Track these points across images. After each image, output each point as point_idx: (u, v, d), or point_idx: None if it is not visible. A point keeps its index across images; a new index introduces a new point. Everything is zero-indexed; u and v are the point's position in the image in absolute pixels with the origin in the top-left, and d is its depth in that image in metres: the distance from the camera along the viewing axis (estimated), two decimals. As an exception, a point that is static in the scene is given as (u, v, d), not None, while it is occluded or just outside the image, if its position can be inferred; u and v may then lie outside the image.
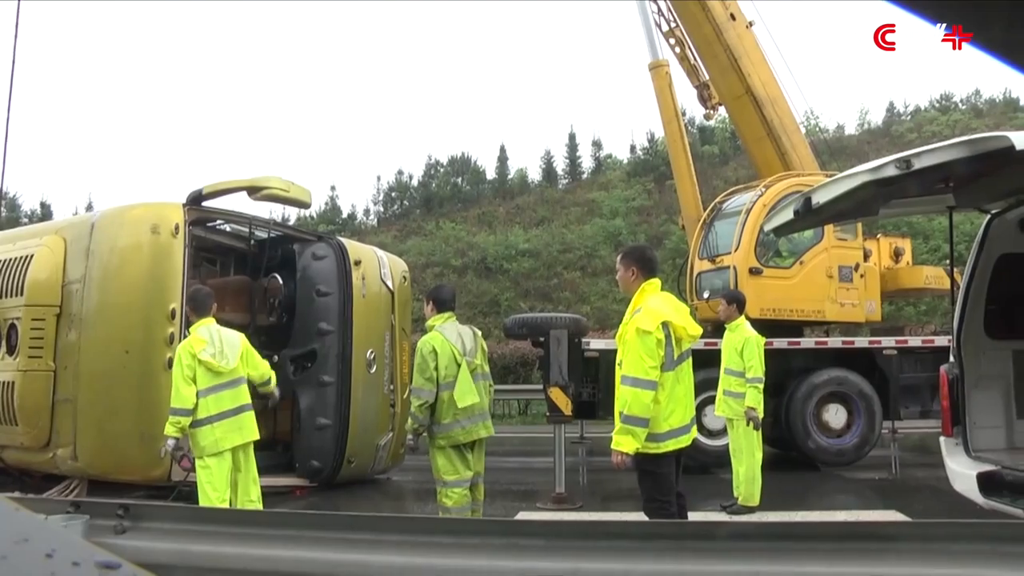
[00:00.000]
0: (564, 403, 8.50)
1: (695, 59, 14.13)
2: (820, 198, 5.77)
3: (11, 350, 8.09)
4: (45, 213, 36.23)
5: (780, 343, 10.36)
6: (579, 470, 11.11)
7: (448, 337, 6.13)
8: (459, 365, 6.07)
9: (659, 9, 14.17)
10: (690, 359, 5.14)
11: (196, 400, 5.94)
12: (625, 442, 4.78)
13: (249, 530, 3.47)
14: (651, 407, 4.76)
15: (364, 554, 3.18)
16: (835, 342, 11.37)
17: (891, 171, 5.12)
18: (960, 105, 39.40)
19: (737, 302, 8.02)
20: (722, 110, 14.65)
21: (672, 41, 14.25)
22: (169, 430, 5.98)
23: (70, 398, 7.70)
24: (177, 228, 8.01)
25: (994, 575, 2.72)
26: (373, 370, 9.39)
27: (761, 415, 7.63)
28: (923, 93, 68.24)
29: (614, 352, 11.04)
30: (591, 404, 10.86)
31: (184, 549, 3.54)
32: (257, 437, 6.26)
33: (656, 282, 5.13)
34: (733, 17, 13.01)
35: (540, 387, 13.48)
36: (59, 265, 8.08)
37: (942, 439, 6.24)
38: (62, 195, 76.68)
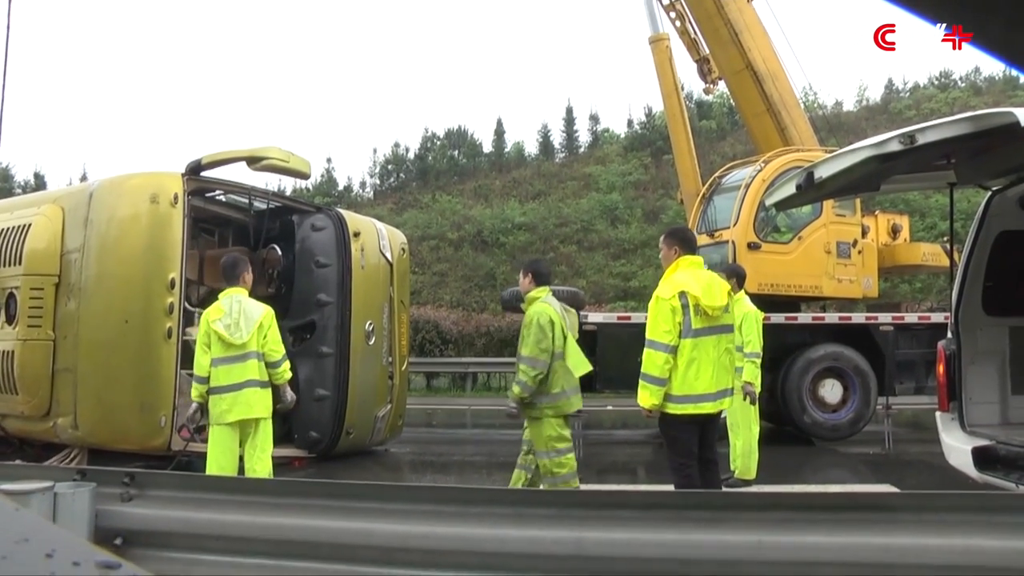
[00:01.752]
0: (561, 376, 8.52)
1: (695, 33, 14.06)
2: (823, 173, 5.77)
3: (10, 319, 8.07)
4: (39, 184, 36.01)
5: (777, 318, 10.39)
6: (576, 443, 11.15)
7: (556, 310, 6.23)
8: (566, 337, 6.18)
9: (660, -18, 14.09)
10: (726, 335, 5.47)
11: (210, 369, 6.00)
12: (642, 397, 5.33)
13: (254, 498, 3.51)
14: (664, 368, 5.20)
15: (369, 522, 3.22)
16: (832, 318, 11.42)
17: (895, 146, 5.12)
18: (959, 83, 39.21)
19: (737, 276, 8.01)
20: (722, 85, 14.59)
21: (673, 15, 14.17)
22: (193, 394, 6.14)
23: (70, 367, 7.69)
24: (176, 198, 7.97)
25: (988, 544, 2.79)
26: (372, 342, 9.39)
27: (758, 390, 7.67)
28: (922, 70, 67.90)
29: (612, 325, 11.16)
30: (588, 377, 10.87)
31: (189, 517, 3.58)
32: (263, 415, 6.21)
33: (692, 259, 5.53)
34: (735, -9, 12.93)
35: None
36: (57, 234, 8.03)
37: (938, 414, 6.28)
38: (56, 166, 76.18)
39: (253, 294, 9.02)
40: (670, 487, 5.31)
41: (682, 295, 5.24)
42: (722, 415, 5.95)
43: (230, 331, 5.97)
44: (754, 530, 2.95)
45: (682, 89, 15.91)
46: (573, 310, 6.63)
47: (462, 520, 3.07)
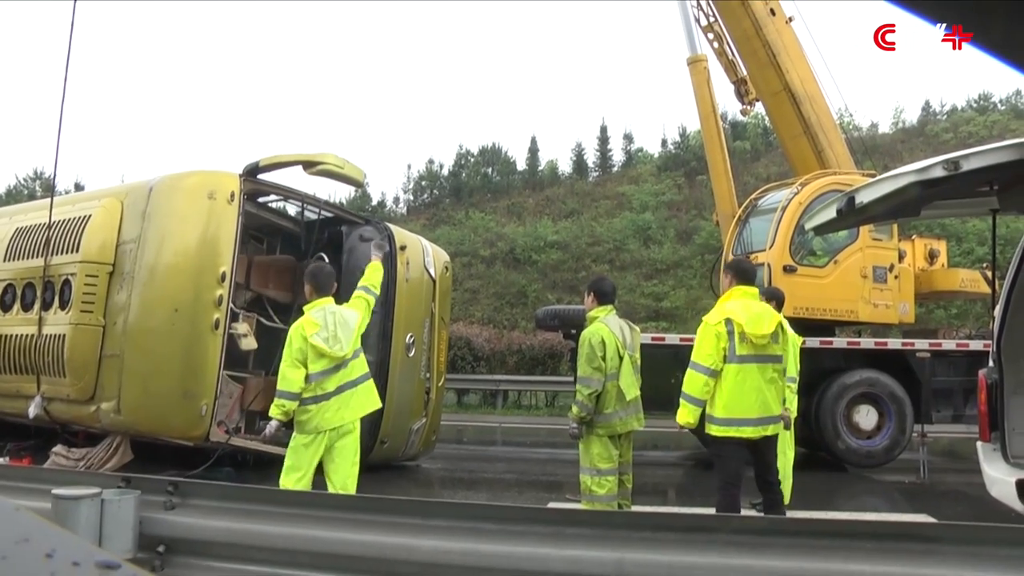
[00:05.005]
0: (594, 396, 8.50)
1: (733, 54, 14.02)
2: (864, 198, 5.73)
3: (63, 305, 8.27)
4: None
5: (812, 342, 10.27)
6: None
7: (612, 329, 6.22)
8: (622, 358, 6.17)
9: (698, 4, 14.07)
10: (772, 364, 5.72)
11: (304, 384, 5.69)
12: (681, 414, 5.73)
13: (297, 511, 3.54)
14: (703, 390, 5.58)
15: (410, 538, 3.24)
16: (868, 343, 11.29)
17: (938, 172, 5.07)
18: (999, 105, 38.65)
19: (776, 299, 7.92)
20: (758, 106, 14.53)
21: (711, 36, 14.14)
22: (274, 411, 5.77)
23: (117, 353, 7.85)
24: (233, 195, 8.20)
25: (1037, 581, 2.74)
26: (412, 354, 9.44)
27: (794, 415, 7.59)
28: (960, 92, 67.10)
29: (646, 346, 11.06)
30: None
31: (231, 527, 3.63)
32: (364, 412, 6.09)
33: (746, 289, 5.84)
34: (773, 12, 12.88)
35: (568, 379, 13.44)
36: (115, 226, 8.27)
37: (979, 444, 6.17)
38: (95, 176, 77.48)
39: (299, 303, 9.19)
40: (709, 509, 5.32)
41: (728, 322, 5.55)
42: (775, 438, 5.99)
43: (329, 344, 5.71)
44: (796, 556, 2.93)
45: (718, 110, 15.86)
46: (637, 329, 6.58)
47: (503, 538, 3.08)
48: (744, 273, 5.98)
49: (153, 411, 7.81)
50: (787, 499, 7.60)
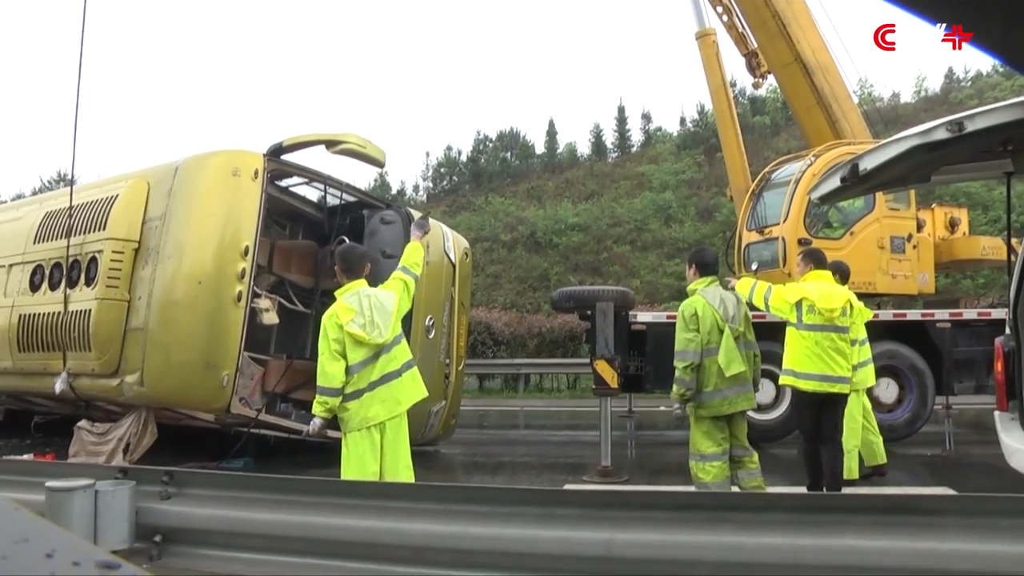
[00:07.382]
0: (610, 376, 8.47)
1: (743, 27, 13.80)
2: (868, 164, 5.57)
3: (89, 281, 8.41)
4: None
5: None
6: (627, 444, 11.08)
7: (710, 301, 6.07)
8: (722, 331, 5.97)
9: (706, -24, 13.89)
10: (837, 334, 6.51)
11: (346, 376, 5.28)
12: (741, 285, 6.86)
13: (290, 497, 3.53)
14: (754, 291, 6.67)
15: (401, 522, 3.21)
16: (886, 315, 11.09)
17: (942, 134, 4.89)
18: (1027, 69, 37.84)
19: (841, 272, 7.54)
20: (771, 79, 14.32)
21: (719, 9, 13.93)
22: (316, 409, 5.36)
23: (141, 327, 7.98)
24: (257, 173, 8.34)
25: (1043, 550, 2.66)
26: (431, 336, 9.53)
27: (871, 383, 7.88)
28: (985, 57, 65.93)
29: (661, 325, 10.98)
30: (638, 377, 10.74)
31: (226, 515, 3.62)
32: (411, 403, 5.55)
33: (821, 273, 6.79)
34: (782, -19, 12.67)
35: (588, 360, 13.39)
36: (141, 204, 8.44)
37: (997, 414, 6.04)
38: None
39: (322, 287, 9.21)
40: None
41: (800, 301, 6.52)
42: (841, 401, 6.67)
43: (367, 330, 5.29)
44: (791, 533, 2.87)
45: (732, 85, 15.66)
46: (744, 301, 6.41)
47: (492, 520, 3.05)
48: (820, 260, 6.87)
49: (175, 382, 7.93)
50: (856, 473, 7.79)
